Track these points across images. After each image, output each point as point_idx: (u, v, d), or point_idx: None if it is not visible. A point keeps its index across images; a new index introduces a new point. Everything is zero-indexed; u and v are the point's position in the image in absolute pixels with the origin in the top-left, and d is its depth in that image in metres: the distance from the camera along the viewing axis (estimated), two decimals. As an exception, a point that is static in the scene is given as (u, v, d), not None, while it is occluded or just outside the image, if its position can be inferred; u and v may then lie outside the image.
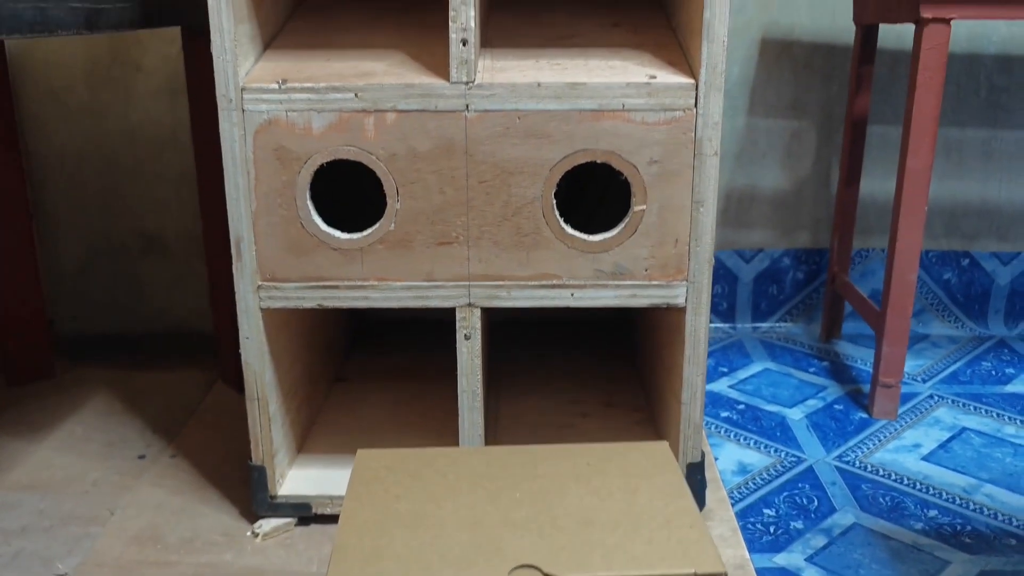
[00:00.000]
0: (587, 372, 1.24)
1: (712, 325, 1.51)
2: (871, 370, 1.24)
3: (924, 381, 1.32)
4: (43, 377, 1.35)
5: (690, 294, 0.90)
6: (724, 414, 1.23)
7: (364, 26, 0.99)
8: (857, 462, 1.10)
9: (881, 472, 1.08)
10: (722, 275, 1.50)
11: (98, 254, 1.49)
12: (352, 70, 0.87)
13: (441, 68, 0.86)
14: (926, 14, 1.07)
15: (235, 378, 1.24)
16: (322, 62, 0.89)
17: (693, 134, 0.85)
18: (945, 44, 1.08)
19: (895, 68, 1.41)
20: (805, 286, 1.51)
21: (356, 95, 0.84)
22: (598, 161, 0.86)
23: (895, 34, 1.37)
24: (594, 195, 1.12)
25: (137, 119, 1.43)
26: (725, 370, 1.36)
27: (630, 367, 1.26)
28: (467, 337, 0.91)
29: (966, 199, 1.47)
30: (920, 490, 1.04)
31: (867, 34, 1.31)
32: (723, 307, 1.51)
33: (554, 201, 0.87)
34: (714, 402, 1.26)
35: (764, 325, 1.52)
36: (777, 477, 1.07)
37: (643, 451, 0.77)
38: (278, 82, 0.84)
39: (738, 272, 1.50)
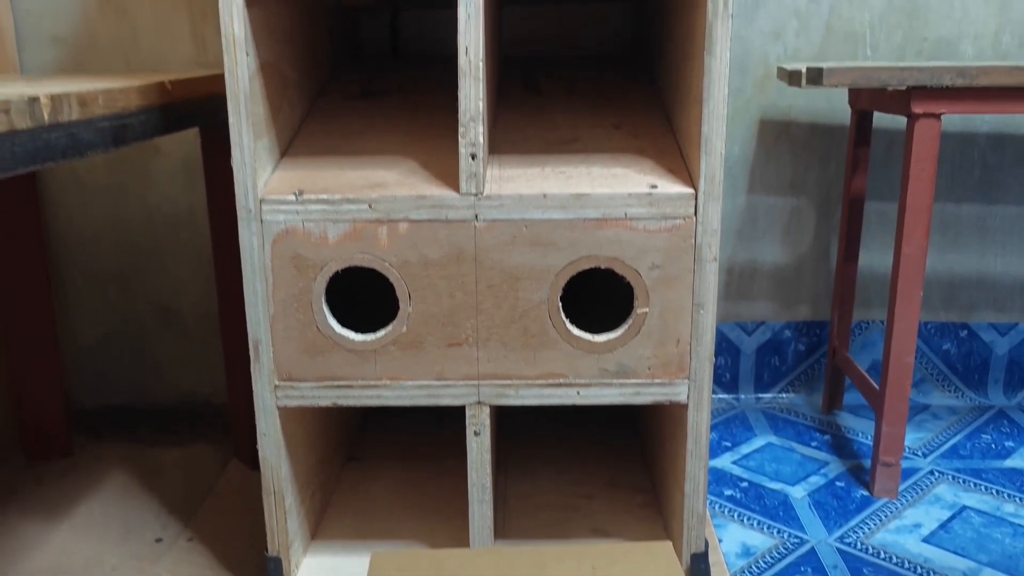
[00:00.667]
0: (591, 451, 1.27)
1: (716, 396, 1.54)
2: (872, 443, 1.27)
3: (925, 456, 1.34)
4: (62, 454, 1.38)
5: (692, 391, 0.93)
6: (728, 492, 1.25)
7: (374, 129, 1.03)
8: (859, 544, 1.12)
9: (882, 555, 1.10)
10: (725, 347, 1.53)
11: (115, 330, 1.53)
12: (365, 180, 0.91)
13: (451, 178, 0.90)
14: (917, 109, 1.11)
15: (248, 455, 1.27)
16: (336, 171, 0.93)
17: (693, 241, 0.88)
18: (936, 137, 1.12)
19: (891, 148, 1.45)
20: (806, 357, 1.54)
21: (370, 206, 0.88)
22: (602, 267, 0.89)
23: (890, 115, 1.41)
24: (597, 287, 1.15)
25: (155, 200, 1.48)
26: (728, 444, 1.38)
27: (633, 443, 1.28)
28: (477, 433, 0.94)
29: (963, 272, 1.50)
30: (920, 574, 1.06)
31: (862, 118, 1.35)
32: (726, 378, 1.54)
33: (560, 304, 0.90)
34: (718, 479, 1.28)
35: (767, 396, 1.54)
36: (780, 560, 1.09)
37: (648, 552, 0.80)
38: (295, 193, 0.88)
39: (740, 344, 1.53)
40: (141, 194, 1.48)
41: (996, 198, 1.47)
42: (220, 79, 1.10)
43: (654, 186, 0.88)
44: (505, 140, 1.00)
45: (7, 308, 1.30)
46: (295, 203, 0.88)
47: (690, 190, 0.88)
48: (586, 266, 0.89)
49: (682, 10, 0.95)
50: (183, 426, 1.49)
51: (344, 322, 0.92)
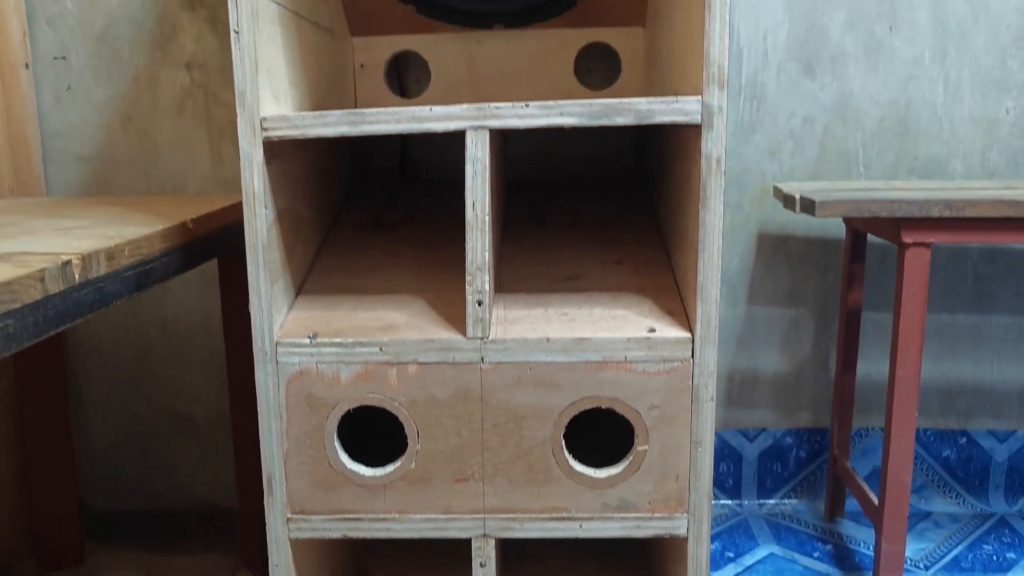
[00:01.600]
0: (593, 562, 1.29)
1: (718, 502, 1.56)
2: (872, 557, 1.28)
3: (927, 568, 1.36)
4: (73, 563, 1.40)
5: (691, 525, 0.95)
6: (731, 608, 1.26)
7: (385, 266, 1.07)
8: (860, 666, 1.13)
9: None
10: (727, 453, 1.55)
11: (129, 434, 1.56)
12: (376, 322, 0.95)
13: (458, 320, 0.94)
14: (907, 239, 1.15)
15: (257, 563, 1.29)
16: (348, 311, 0.97)
17: (690, 382, 0.92)
18: (926, 265, 1.16)
19: (885, 259, 1.49)
20: (808, 464, 1.56)
21: (380, 349, 0.92)
22: (603, 407, 0.93)
23: (883, 230, 1.46)
24: (599, 418, 1.18)
25: (171, 309, 1.52)
26: (732, 555, 1.40)
27: (639, 571, 1.30)
28: (482, 565, 0.97)
29: (960, 379, 1.53)
30: None
31: (856, 236, 1.40)
32: (729, 484, 1.56)
33: (563, 441, 0.94)
34: (721, 593, 1.30)
35: (770, 502, 1.56)
36: None
37: None
38: (309, 336, 0.92)
39: (742, 451, 1.55)
40: (157, 304, 1.52)
41: (989, 307, 1.51)
42: (237, 207, 1.16)
43: (652, 329, 0.92)
44: (511, 277, 1.04)
45: (25, 411, 1.33)
46: (309, 346, 0.92)
47: (687, 334, 0.92)
48: (588, 406, 0.93)
49: (677, 157, 1.00)
50: (194, 531, 1.51)
51: (354, 449, 0.96)
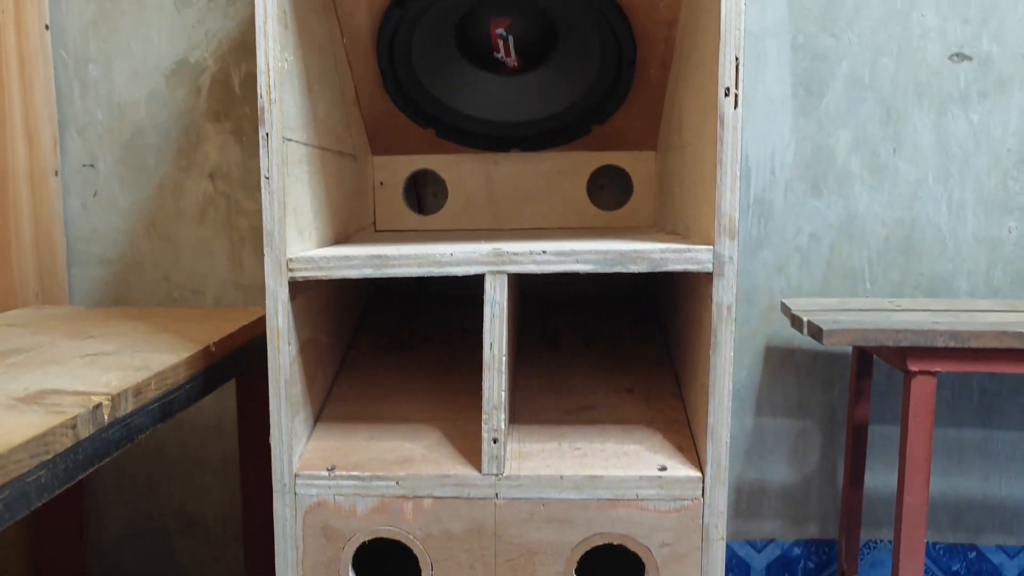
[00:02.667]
0: None
1: (727, 614, 1.56)
2: None
3: None
4: (80, 669, 1.40)
5: (702, 663, 0.96)
6: None
7: (402, 390, 1.10)
8: None
9: None
10: (735, 564, 1.55)
11: (139, 533, 1.57)
12: (393, 454, 0.97)
13: (473, 454, 0.96)
14: (913, 367, 1.17)
15: None
16: (366, 440, 0.99)
17: (701, 521, 0.93)
18: (932, 393, 1.18)
19: (892, 374, 1.51)
20: (816, 575, 1.56)
21: (397, 483, 0.94)
22: (614, 543, 0.94)
23: (890, 346, 1.48)
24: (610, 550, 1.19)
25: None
26: (740, 673, 1.39)
27: None
28: None
29: (969, 494, 1.53)
30: None
31: (862, 354, 1.42)
32: (737, 595, 1.56)
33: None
34: None
35: (778, 614, 1.56)
36: None
37: None
38: (328, 469, 0.94)
39: (750, 561, 1.55)
40: (173, 405, 1.54)
41: (997, 423, 1.52)
42: (257, 324, 1.19)
43: (663, 468, 0.94)
44: (525, 408, 1.06)
45: (36, 509, 1.35)
46: (327, 478, 0.94)
47: (697, 474, 0.93)
48: (600, 542, 0.94)
49: (689, 297, 1.03)
50: (200, 636, 1.51)
51: (369, 567, 0.97)
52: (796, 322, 1.27)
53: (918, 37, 1.46)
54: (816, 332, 1.20)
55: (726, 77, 0.88)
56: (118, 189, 1.52)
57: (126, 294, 1.54)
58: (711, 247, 0.90)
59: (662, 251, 0.90)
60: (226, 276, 1.53)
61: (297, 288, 0.94)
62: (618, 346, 1.21)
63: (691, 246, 0.90)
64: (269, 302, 0.92)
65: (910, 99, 1.47)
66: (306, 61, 0.98)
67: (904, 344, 1.16)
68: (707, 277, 0.91)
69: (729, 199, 0.89)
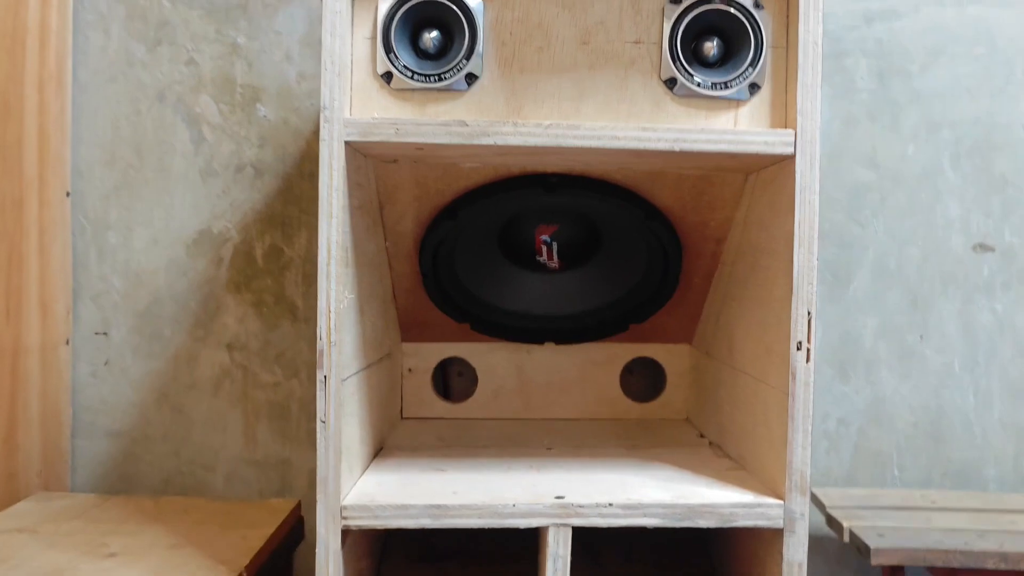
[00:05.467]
0: None
1: None
2: None
3: None
4: None
5: None
6: None
7: None
8: None
9: None
10: None
11: None
12: None
13: None
14: (962, 588, 1.15)
15: None
16: None
17: None
18: (982, 615, 1.15)
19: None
20: None
21: None
22: None
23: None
24: None
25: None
26: None
27: None
28: None
29: None
30: None
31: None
32: None
33: None
34: None
35: None
36: None
37: None
38: None
39: None
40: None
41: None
42: (283, 526, 1.13)
43: None
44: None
45: None
46: None
47: None
48: None
49: (750, 545, 1.00)
50: None
51: None
52: (833, 523, 1.24)
53: (942, 228, 1.48)
54: (862, 548, 1.17)
55: (798, 331, 0.87)
56: (130, 358, 1.47)
57: (132, 469, 1.48)
58: (781, 502, 0.87)
59: (732, 506, 0.87)
60: (239, 452, 1.47)
61: (348, 533, 0.90)
62: (661, 557, 1.17)
63: (761, 499, 0.88)
64: (320, 551, 0.87)
65: (936, 287, 1.48)
66: (359, 287, 0.96)
67: (955, 565, 1.14)
68: (776, 533, 0.88)
69: (800, 455, 0.87)
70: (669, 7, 0.89)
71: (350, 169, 0.89)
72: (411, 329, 1.30)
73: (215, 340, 1.47)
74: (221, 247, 1.47)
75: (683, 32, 0.89)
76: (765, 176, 0.96)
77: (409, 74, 0.88)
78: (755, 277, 1.01)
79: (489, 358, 1.33)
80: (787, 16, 0.90)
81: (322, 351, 0.86)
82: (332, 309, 0.86)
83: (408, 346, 1.33)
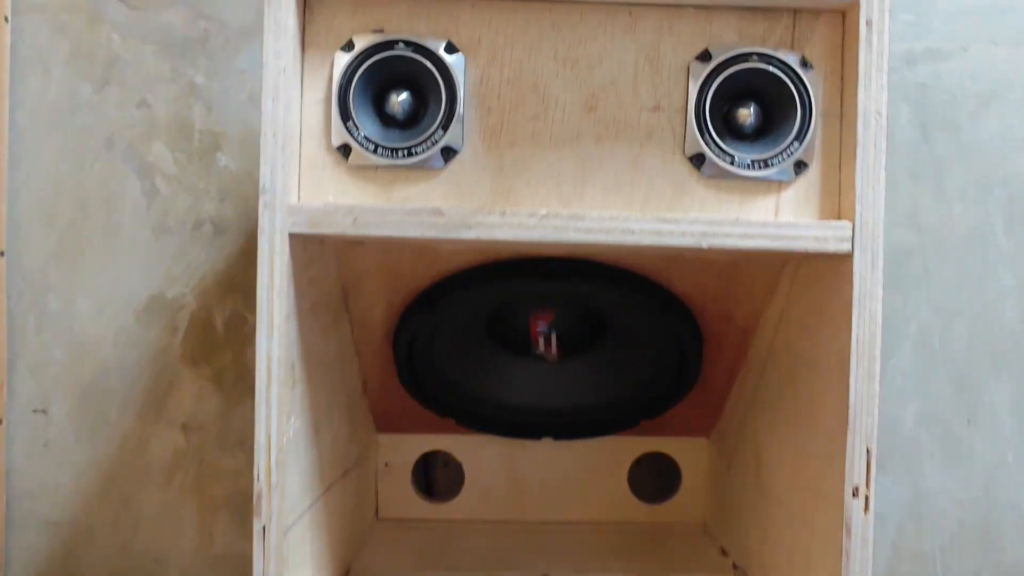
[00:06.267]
0: None
1: None
2: None
3: None
4: None
5: None
6: None
7: None
8: None
9: None
10: None
11: None
12: None
13: None
14: None
15: None
16: None
17: None
18: None
19: None
20: None
21: None
22: None
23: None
24: None
25: None
26: None
27: None
28: None
29: None
30: None
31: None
32: None
33: None
34: None
35: None
36: None
37: None
38: None
39: None
40: None
41: None
42: None
43: None
44: None
45: None
46: None
47: None
48: None
49: None
50: None
51: None
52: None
53: (993, 299, 1.30)
54: None
55: (855, 474, 0.69)
56: (73, 439, 1.30)
57: (74, 566, 1.30)
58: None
59: None
60: (194, 547, 1.30)
61: None
62: None
63: None
64: None
65: (986, 367, 1.30)
66: (314, 403, 0.79)
67: None
68: None
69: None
70: (695, 65, 0.72)
71: (299, 264, 0.72)
72: (387, 419, 1.13)
73: (169, 420, 1.30)
74: (176, 314, 1.30)
75: (713, 96, 0.71)
76: (810, 271, 0.79)
77: (372, 147, 0.71)
78: (793, 390, 0.83)
79: (478, 452, 1.15)
80: (842, 77, 0.72)
81: (260, 495, 0.69)
82: (272, 444, 0.69)
83: (385, 437, 1.16)
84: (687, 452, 1.16)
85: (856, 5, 0.69)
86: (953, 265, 1.30)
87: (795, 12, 0.72)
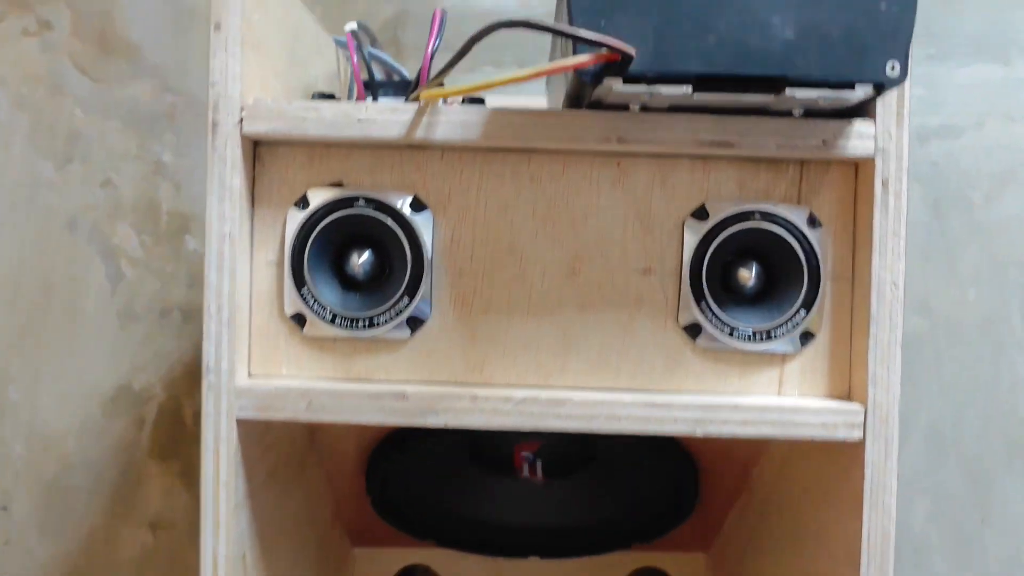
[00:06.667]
0: None
1: None
2: None
3: None
4: None
5: None
6: None
7: None
8: None
9: None
10: None
11: None
12: None
13: None
14: None
15: None
16: None
17: None
18: None
19: None
20: None
21: None
22: None
23: None
24: None
25: None
26: None
27: None
28: None
29: None
30: None
31: None
32: None
33: None
34: None
35: None
36: None
37: None
38: None
39: None
40: None
41: None
42: None
43: None
44: None
45: None
46: None
47: None
48: None
49: None
50: None
51: None
52: None
53: (1008, 388, 1.23)
54: None
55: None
56: (35, 538, 1.23)
57: (37, 671, 1.24)
58: None
59: None
60: (164, 647, 1.23)
61: None
62: None
63: None
64: None
65: (1000, 460, 1.23)
66: (272, 572, 0.72)
67: None
68: None
69: None
70: (691, 223, 0.64)
71: (249, 444, 0.65)
72: (363, 535, 1.06)
73: (136, 517, 1.23)
74: (143, 406, 1.23)
75: (710, 258, 0.64)
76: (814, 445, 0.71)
77: (329, 317, 0.64)
78: (795, 547, 0.76)
79: (460, 566, 1.08)
80: (854, 236, 0.65)
81: None
82: (219, 650, 0.62)
83: (361, 551, 1.09)
84: (683, 568, 1.09)
85: (871, 162, 0.62)
86: (965, 351, 1.23)
87: (802, 164, 0.64)
